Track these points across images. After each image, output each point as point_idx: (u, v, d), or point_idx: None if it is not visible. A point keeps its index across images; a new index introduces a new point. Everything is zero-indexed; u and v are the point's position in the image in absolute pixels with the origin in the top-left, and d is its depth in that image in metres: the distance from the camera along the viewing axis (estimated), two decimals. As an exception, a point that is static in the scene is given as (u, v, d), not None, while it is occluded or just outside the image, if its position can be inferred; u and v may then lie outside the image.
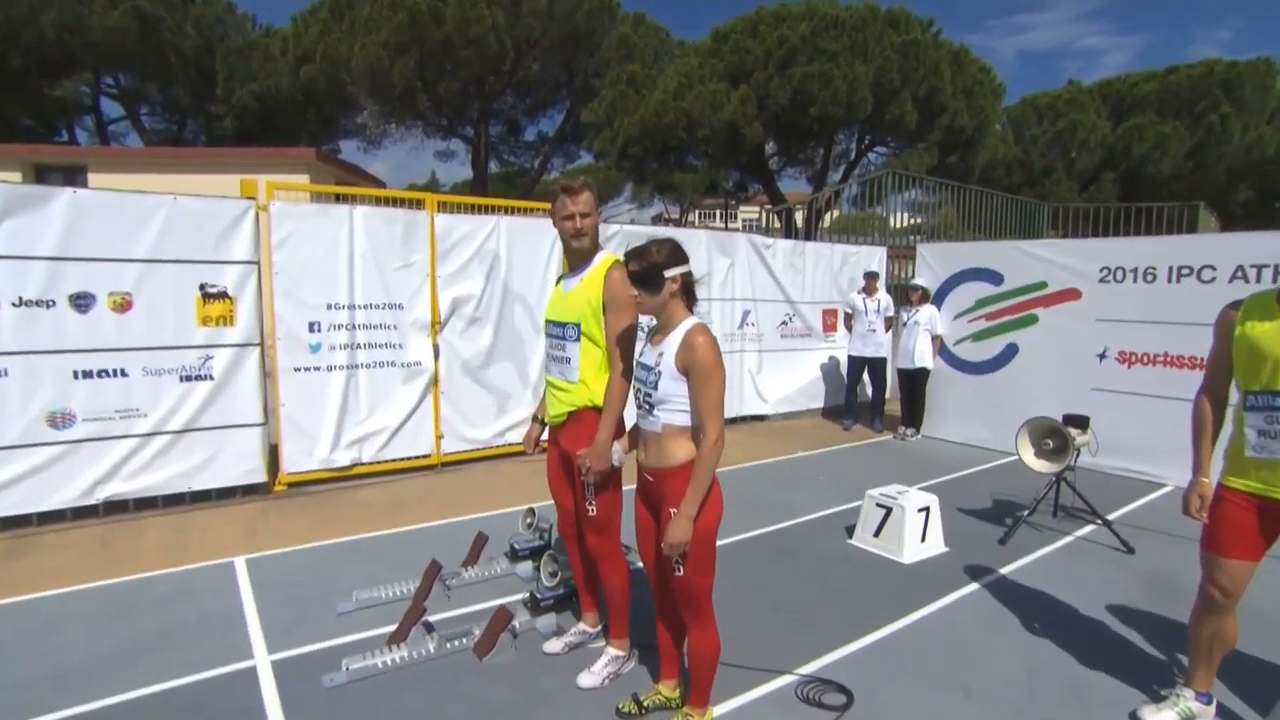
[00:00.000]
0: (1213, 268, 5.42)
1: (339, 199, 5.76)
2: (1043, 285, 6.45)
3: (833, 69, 15.76)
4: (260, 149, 14.46)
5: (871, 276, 7.84)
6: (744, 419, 8.25)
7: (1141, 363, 5.85)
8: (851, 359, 8.01)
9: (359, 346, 5.66)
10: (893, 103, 16.26)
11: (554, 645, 3.11)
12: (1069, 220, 12.85)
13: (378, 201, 6.09)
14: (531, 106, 23.15)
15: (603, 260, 2.80)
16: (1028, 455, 4.57)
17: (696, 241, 7.50)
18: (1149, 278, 5.75)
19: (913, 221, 14.56)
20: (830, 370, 8.84)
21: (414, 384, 5.94)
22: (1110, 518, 4.64)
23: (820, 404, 8.81)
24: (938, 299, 7.39)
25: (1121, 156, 16.59)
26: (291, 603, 3.55)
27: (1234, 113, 16.11)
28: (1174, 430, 5.58)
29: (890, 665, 3.03)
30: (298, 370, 5.41)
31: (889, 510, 4.30)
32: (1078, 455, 4.48)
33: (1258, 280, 5.24)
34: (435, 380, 6.05)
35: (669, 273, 2.32)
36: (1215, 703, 2.65)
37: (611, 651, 2.94)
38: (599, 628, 3.17)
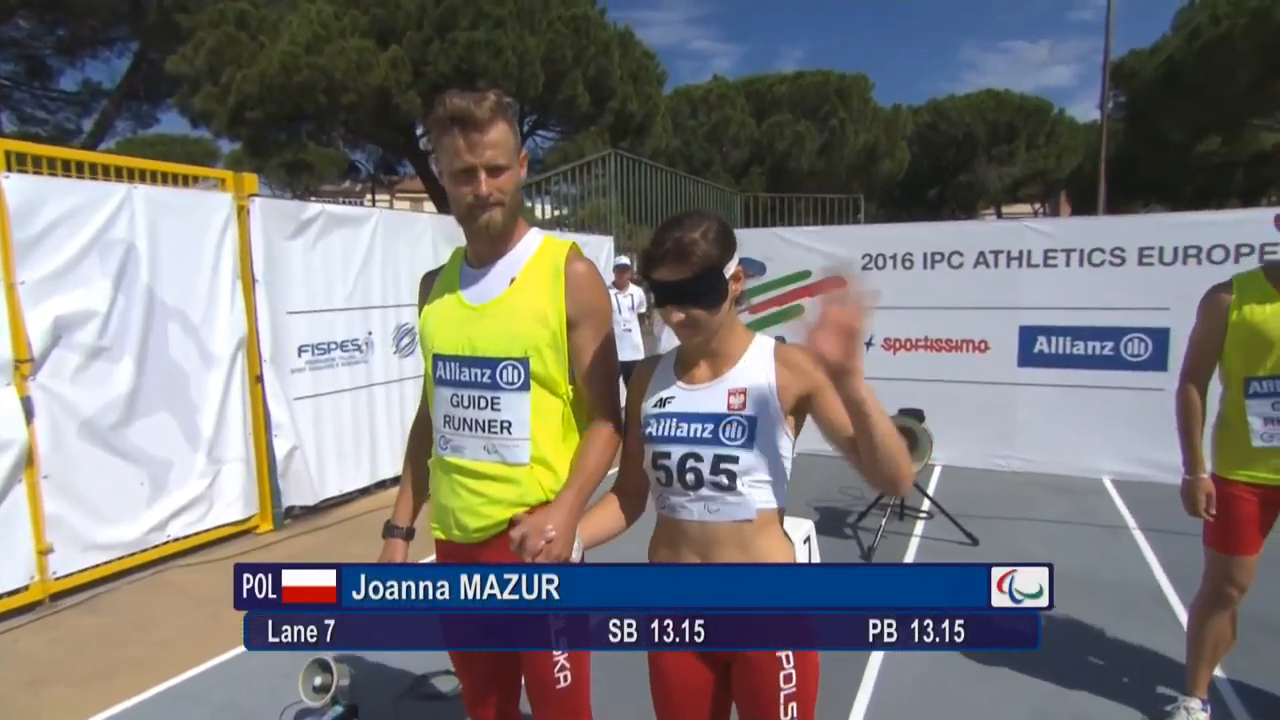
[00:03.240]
0: (960, 253, 6.22)
1: None
2: (807, 274, 6.79)
3: (501, 37, 15.25)
4: None
5: (622, 269, 7.52)
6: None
7: (905, 349, 6.49)
8: (608, 364, 7.58)
9: None
10: (564, 81, 16.39)
11: None
12: (757, 210, 14.42)
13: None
14: (69, 41, 18.08)
15: (541, 245, 1.77)
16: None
17: (420, 228, 6.24)
18: (907, 264, 6.40)
19: (558, 212, 14.26)
20: (574, 379, 8.30)
21: (-11, 471, 3.74)
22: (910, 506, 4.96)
23: (567, 419, 8.20)
24: (695, 292, 7.35)
25: (767, 151, 19.38)
26: None
27: (848, 119, 20.04)
28: (937, 414, 6.27)
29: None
30: None
31: (773, 548, 3.90)
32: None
33: (995, 265, 6.14)
34: (30, 458, 3.91)
35: (730, 269, 1.53)
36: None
37: None
38: None
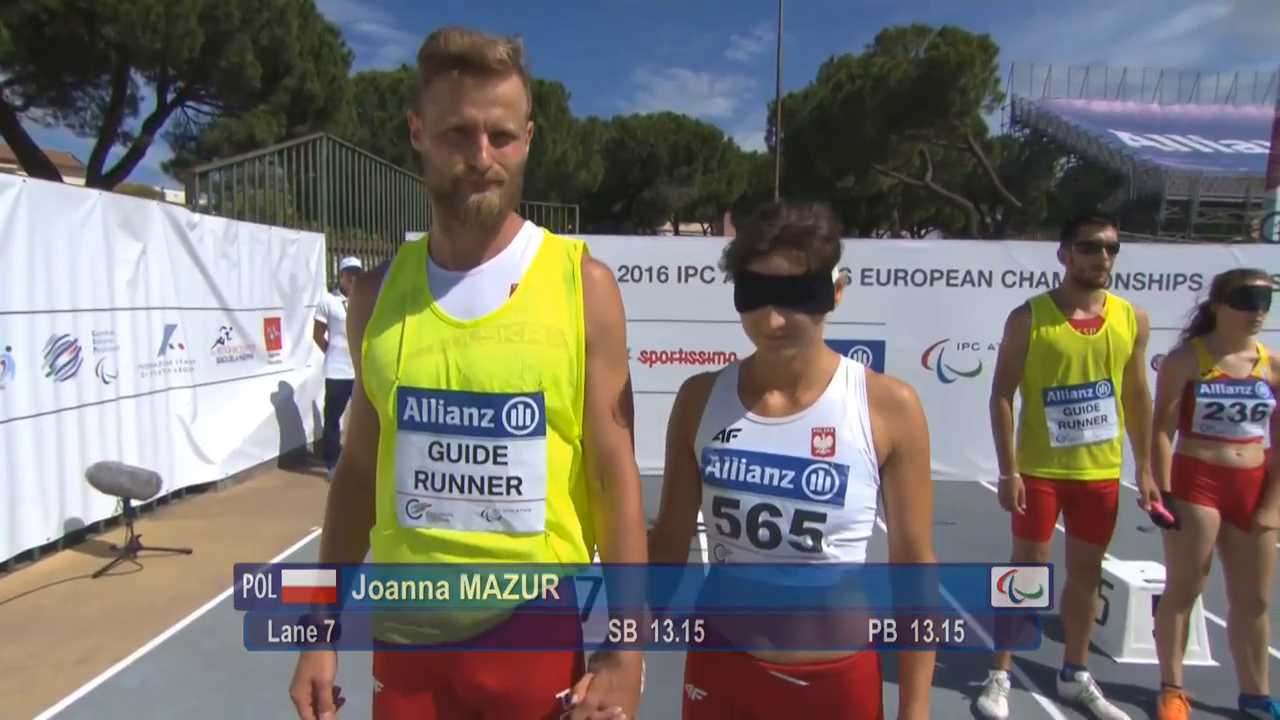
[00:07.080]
0: (711, 268, 6.66)
1: None
2: (563, 284, 6.75)
3: (142, -22, 12.91)
4: None
5: (350, 272, 6.76)
6: (180, 493, 6.00)
7: (662, 360, 6.77)
8: (333, 383, 6.75)
9: None
10: (229, 46, 14.40)
11: None
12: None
13: None
14: None
15: (544, 243, 1.44)
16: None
17: (88, 207, 4.91)
18: (662, 276, 6.68)
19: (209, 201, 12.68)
20: (284, 402, 7.24)
21: None
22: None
23: (276, 452, 7.12)
24: (437, 300, 6.90)
25: (465, 153, 18.87)
26: None
27: (547, 127, 20.45)
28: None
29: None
30: None
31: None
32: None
33: (741, 280, 6.70)
34: None
35: (837, 271, 1.39)
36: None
37: None
38: None
